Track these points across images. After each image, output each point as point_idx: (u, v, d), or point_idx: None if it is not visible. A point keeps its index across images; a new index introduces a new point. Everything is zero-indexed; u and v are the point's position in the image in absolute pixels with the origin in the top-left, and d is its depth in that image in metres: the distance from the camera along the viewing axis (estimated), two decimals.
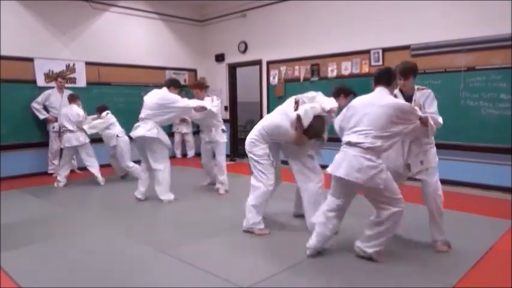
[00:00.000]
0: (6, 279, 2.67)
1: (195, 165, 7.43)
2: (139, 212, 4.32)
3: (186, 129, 8.31)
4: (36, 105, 6.27)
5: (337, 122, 3.07)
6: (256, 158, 3.54)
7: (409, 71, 3.07)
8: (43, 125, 6.44)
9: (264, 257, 3.02)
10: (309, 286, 2.54)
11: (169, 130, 8.29)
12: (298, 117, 3.42)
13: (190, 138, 8.39)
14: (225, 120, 7.58)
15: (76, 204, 4.84)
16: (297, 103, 3.55)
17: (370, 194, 2.82)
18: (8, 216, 4.11)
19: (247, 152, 3.63)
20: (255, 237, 3.52)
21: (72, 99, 5.81)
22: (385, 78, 2.87)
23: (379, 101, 2.76)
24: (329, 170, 2.89)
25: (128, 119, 6.02)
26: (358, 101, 2.90)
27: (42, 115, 6.30)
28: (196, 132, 8.62)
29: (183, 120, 8.14)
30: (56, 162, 6.45)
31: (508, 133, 4.76)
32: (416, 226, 3.66)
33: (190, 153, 8.42)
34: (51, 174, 6.42)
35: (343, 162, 2.76)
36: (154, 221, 3.99)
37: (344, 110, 3.00)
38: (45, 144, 6.46)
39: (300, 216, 3.84)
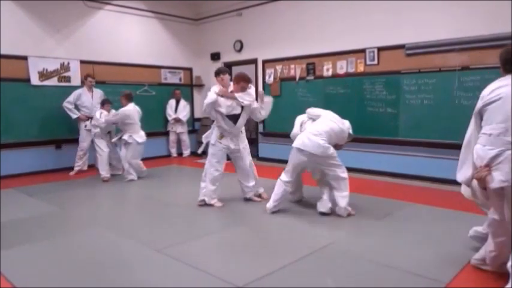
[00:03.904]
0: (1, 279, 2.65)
1: (191, 164, 7.42)
2: (136, 212, 4.31)
3: (181, 128, 8.28)
4: (68, 105, 6.35)
5: None
6: None
7: None
8: (40, 123, 6.48)
9: (259, 256, 3.02)
10: (305, 285, 2.54)
11: (164, 129, 8.28)
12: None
13: (185, 138, 8.36)
14: None
15: (74, 204, 4.81)
16: None
17: None
18: (7, 215, 4.09)
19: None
20: (250, 235, 3.52)
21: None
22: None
23: None
24: None
25: None
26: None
27: (74, 114, 6.38)
28: (191, 131, 8.63)
29: (178, 120, 8.11)
30: (84, 159, 6.52)
31: None
32: (409, 225, 3.69)
33: (186, 152, 8.38)
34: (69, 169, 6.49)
35: None
36: (150, 221, 3.97)
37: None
38: (42, 143, 6.50)
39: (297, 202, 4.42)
